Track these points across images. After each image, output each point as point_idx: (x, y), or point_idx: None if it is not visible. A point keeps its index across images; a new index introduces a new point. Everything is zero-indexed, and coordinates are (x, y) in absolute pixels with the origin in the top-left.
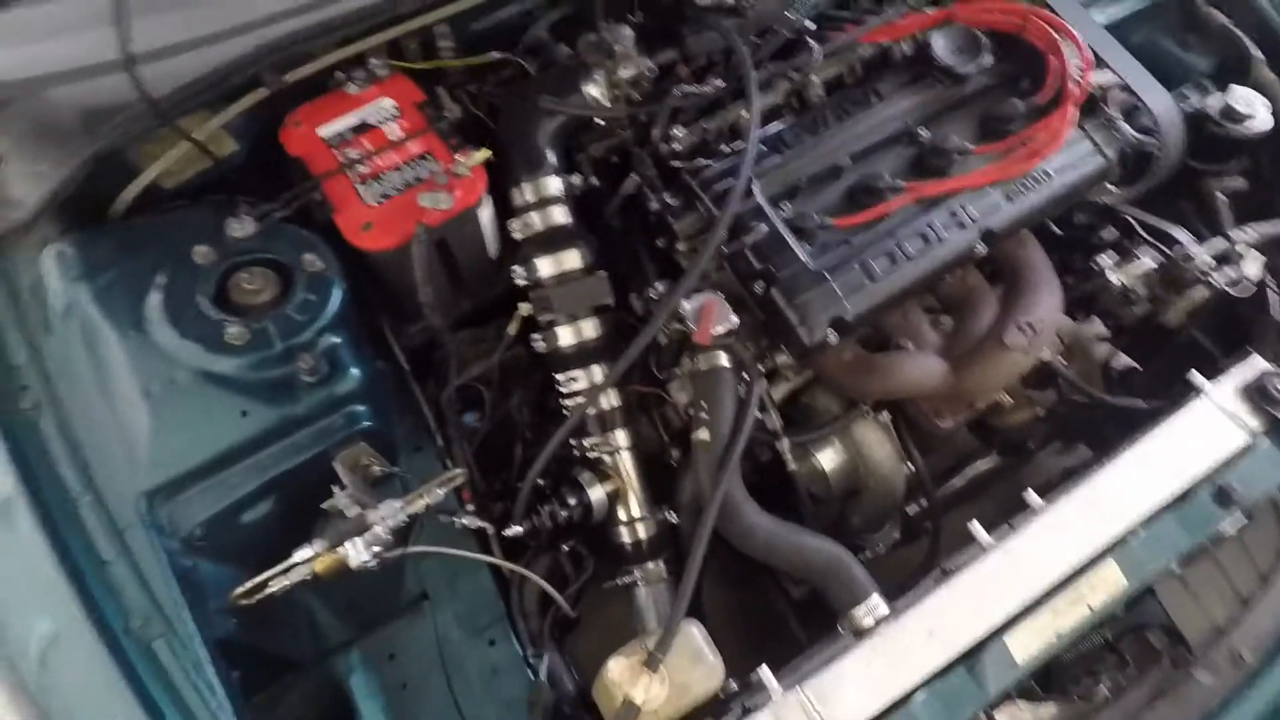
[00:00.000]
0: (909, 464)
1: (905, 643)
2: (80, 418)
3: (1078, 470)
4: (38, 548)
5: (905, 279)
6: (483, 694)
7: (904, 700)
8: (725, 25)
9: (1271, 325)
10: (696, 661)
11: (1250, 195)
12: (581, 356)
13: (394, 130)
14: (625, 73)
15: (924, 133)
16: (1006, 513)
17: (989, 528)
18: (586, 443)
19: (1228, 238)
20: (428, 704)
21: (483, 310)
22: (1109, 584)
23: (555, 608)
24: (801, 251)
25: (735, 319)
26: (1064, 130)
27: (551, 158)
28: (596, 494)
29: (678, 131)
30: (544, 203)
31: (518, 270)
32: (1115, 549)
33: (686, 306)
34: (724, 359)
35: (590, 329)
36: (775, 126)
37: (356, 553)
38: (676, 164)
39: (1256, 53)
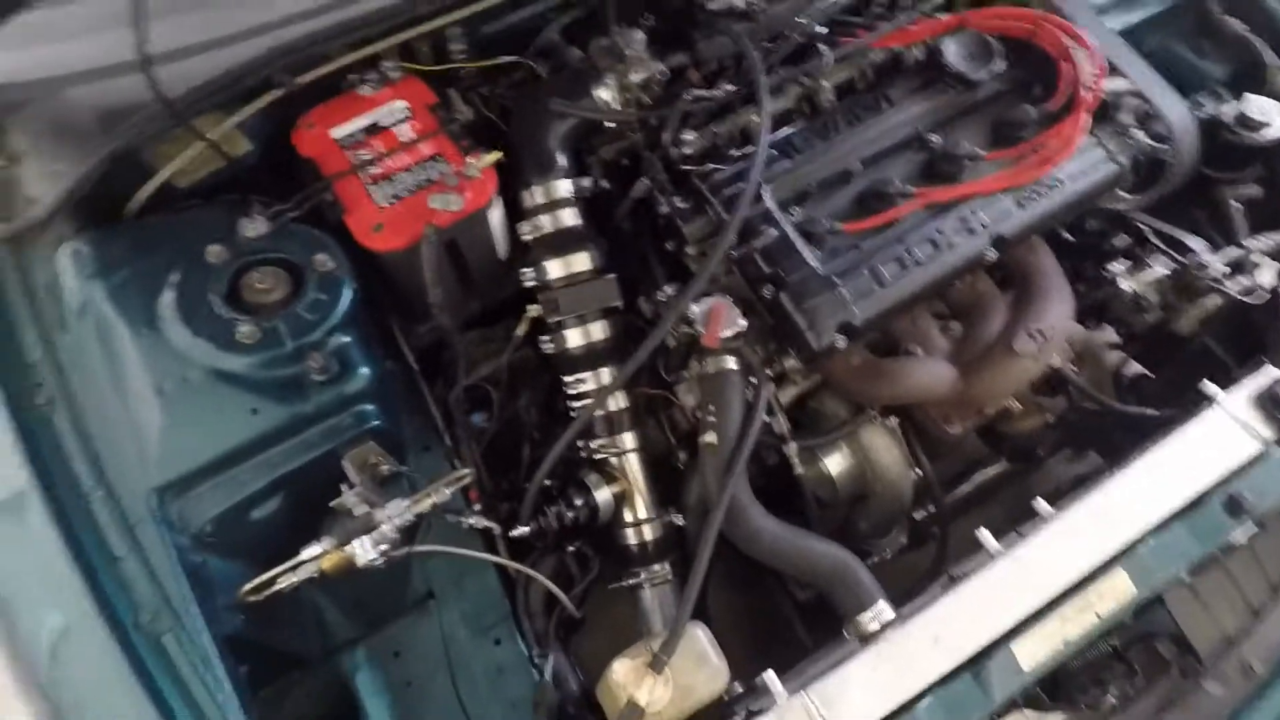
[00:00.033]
0: (917, 469)
1: (911, 649)
2: (93, 414)
3: (1088, 478)
4: (50, 542)
5: (914, 285)
6: (487, 693)
7: (909, 706)
8: (736, 30)
9: None
10: (701, 664)
11: (1265, 203)
12: (590, 358)
13: (406, 132)
14: (636, 76)
15: (935, 138)
16: (1015, 519)
17: (998, 534)
18: (594, 444)
19: (1242, 246)
20: (433, 702)
21: (492, 311)
22: (1118, 592)
23: (560, 608)
24: (811, 256)
25: (743, 322)
26: (1076, 137)
27: (562, 160)
28: (603, 495)
29: (688, 135)
30: (554, 205)
31: (527, 272)
32: (1124, 557)
33: (695, 310)
34: (732, 362)
35: (599, 331)
36: (786, 131)
37: (364, 551)
38: (686, 168)
39: (1273, 59)
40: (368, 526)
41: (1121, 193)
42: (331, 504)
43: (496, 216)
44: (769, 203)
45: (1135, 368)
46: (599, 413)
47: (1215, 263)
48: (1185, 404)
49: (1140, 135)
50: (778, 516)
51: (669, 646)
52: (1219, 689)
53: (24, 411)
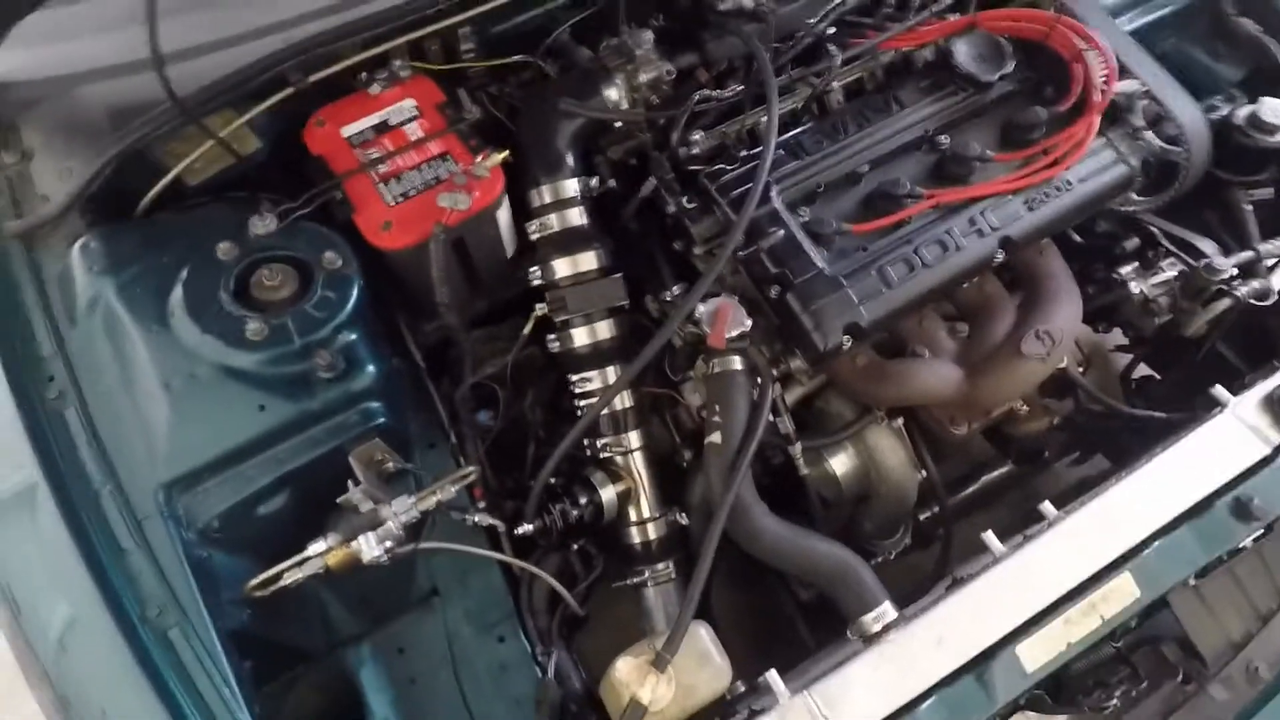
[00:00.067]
0: (922, 470)
1: (914, 649)
2: (102, 409)
3: (1094, 480)
4: (59, 535)
5: (922, 286)
6: (491, 690)
7: (911, 707)
8: (746, 30)
9: None
10: (704, 663)
11: (1278, 206)
12: (596, 357)
13: (415, 130)
14: (645, 76)
15: (944, 140)
16: (1021, 521)
17: (1003, 536)
18: (599, 442)
19: (1254, 249)
20: (436, 699)
21: (498, 309)
22: (1123, 595)
23: (564, 606)
24: (818, 257)
25: (749, 323)
26: (1087, 139)
27: (570, 160)
28: (608, 494)
29: (696, 135)
30: (561, 204)
31: (534, 271)
32: (1130, 560)
33: (701, 309)
34: (738, 362)
35: (605, 330)
36: (794, 132)
37: (369, 547)
38: (694, 168)
39: None
40: (373, 523)
41: (1133, 195)
42: (338, 500)
43: (504, 215)
44: (777, 203)
45: (1143, 370)
46: (604, 411)
47: (1226, 265)
48: (1194, 407)
49: (1151, 137)
50: (782, 516)
51: (672, 645)
52: (1224, 693)
53: (35, 406)
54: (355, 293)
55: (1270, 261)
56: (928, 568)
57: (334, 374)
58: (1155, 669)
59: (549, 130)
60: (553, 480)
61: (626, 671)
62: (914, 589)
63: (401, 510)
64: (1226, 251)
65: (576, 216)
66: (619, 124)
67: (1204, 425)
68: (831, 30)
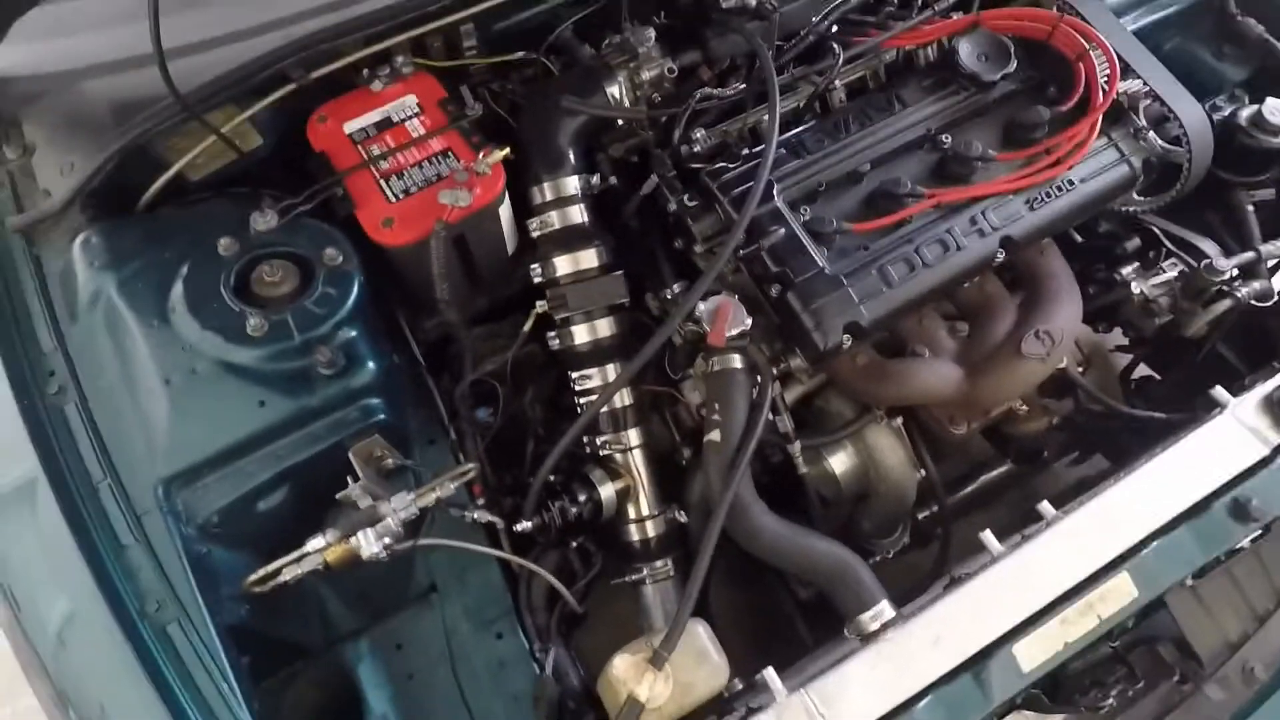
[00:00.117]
0: (921, 470)
1: (911, 648)
2: (103, 404)
3: (1093, 481)
4: (59, 530)
5: (923, 286)
6: (489, 686)
7: (908, 705)
8: (748, 28)
9: None
10: (701, 660)
11: None
12: (596, 355)
13: (416, 127)
14: (647, 74)
15: (946, 139)
16: (1020, 521)
17: (1001, 536)
18: (598, 440)
19: (1255, 250)
20: (434, 694)
21: (499, 307)
22: (1120, 595)
23: (562, 603)
24: (819, 256)
25: (749, 321)
26: (1089, 139)
27: (572, 157)
28: (607, 491)
29: (698, 133)
30: (562, 202)
31: (535, 268)
32: (1128, 560)
33: (702, 308)
34: (737, 361)
35: (605, 328)
36: (796, 130)
37: (368, 544)
38: (696, 166)
39: None
40: (372, 519)
41: (1134, 195)
42: (337, 496)
43: (505, 212)
44: (778, 202)
45: (1143, 370)
46: (604, 409)
47: (1227, 266)
48: (1194, 408)
49: (1154, 137)
50: (781, 514)
51: (670, 642)
52: (1220, 694)
53: (36, 401)
54: (356, 289)
55: (1271, 262)
56: (926, 567)
57: (334, 370)
58: (1152, 669)
59: (551, 127)
60: (552, 477)
61: (624, 669)
62: (912, 588)
63: (400, 507)
64: (1228, 252)
65: (577, 214)
66: (621, 121)
67: (1203, 426)
68: (834, 28)
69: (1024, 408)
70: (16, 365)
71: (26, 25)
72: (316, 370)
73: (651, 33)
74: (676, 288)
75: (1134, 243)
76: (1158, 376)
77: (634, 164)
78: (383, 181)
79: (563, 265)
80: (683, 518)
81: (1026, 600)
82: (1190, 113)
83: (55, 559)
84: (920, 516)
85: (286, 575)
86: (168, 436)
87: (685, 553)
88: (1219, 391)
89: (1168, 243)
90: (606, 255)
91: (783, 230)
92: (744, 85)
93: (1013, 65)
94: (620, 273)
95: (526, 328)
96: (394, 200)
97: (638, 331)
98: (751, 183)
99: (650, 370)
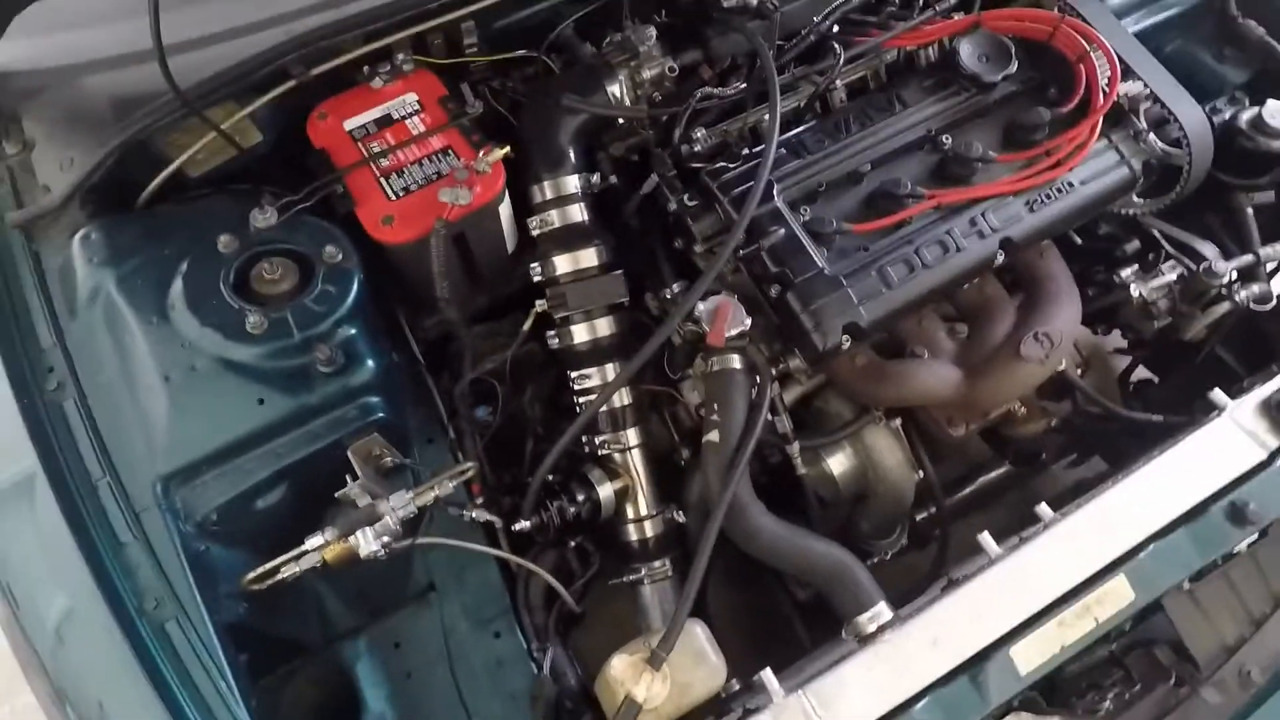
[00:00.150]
0: (919, 471)
1: (909, 650)
2: (101, 401)
3: (1091, 483)
4: (57, 527)
5: (922, 287)
6: (486, 685)
7: (905, 707)
8: (749, 27)
9: None
10: (699, 661)
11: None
12: (595, 354)
13: (417, 125)
14: (648, 73)
15: (947, 140)
16: (1018, 523)
17: (999, 538)
18: (597, 439)
19: (1255, 253)
20: (432, 693)
21: (499, 305)
22: (1117, 598)
23: (561, 602)
24: (818, 256)
25: (749, 321)
26: (1090, 141)
27: (572, 156)
28: (605, 491)
29: (699, 133)
30: (563, 200)
31: (534, 266)
32: (1125, 563)
33: (701, 308)
34: (736, 361)
35: (605, 327)
36: (797, 130)
37: (366, 542)
38: (696, 165)
39: None
40: (371, 518)
41: (1134, 197)
42: (335, 495)
43: (505, 211)
44: (778, 202)
45: (1141, 373)
46: (603, 408)
47: (1226, 269)
48: (1192, 411)
49: (1154, 140)
50: (779, 515)
51: (667, 643)
52: (1216, 697)
53: (34, 397)
54: (355, 287)
55: (1271, 266)
56: (924, 568)
57: (333, 368)
58: (1148, 672)
59: (551, 126)
60: (551, 477)
61: (622, 669)
62: (910, 589)
63: (399, 505)
64: (1227, 255)
65: (577, 213)
66: (621, 120)
67: (1201, 429)
68: (835, 28)
69: (1022, 410)
70: (15, 362)
71: (27, 20)
72: (316, 368)
73: (652, 31)
74: (676, 287)
75: (1133, 245)
76: (1156, 379)
77: (634, 163)
78: (383, 179)
79: (562, 264)
80: (681, 518)
81: (1024, 602)
82: (1190, 115)
83: (54, 556)
84: (918, 518)
85: (285, 573)
86: (167, 434)
87: (683, 553)
88: (1217, 394)
89: (1167, 245)
90: (606, 254)
91: (782, 230)
92: (745, 85)
93: (1013, 66)
94: (620, 272)
95: (526, 326)
96: (394, 198)
97: (637, 331)
98: (751, 183)
99: (649, 370)
